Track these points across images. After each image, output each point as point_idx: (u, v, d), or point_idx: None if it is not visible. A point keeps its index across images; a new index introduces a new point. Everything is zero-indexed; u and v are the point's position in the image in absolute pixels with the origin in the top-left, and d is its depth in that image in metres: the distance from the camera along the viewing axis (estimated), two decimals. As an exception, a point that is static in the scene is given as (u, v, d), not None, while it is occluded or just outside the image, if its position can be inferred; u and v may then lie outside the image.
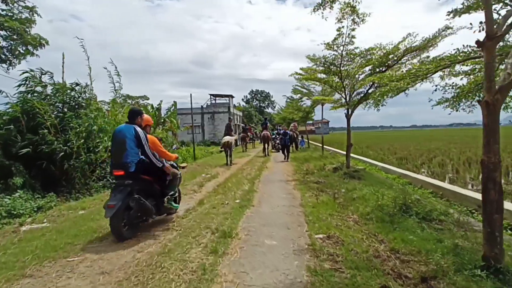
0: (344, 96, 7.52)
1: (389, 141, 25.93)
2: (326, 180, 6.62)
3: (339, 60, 6.82)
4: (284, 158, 11.70)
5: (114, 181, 4.04)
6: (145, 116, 3.94)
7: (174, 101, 24.13)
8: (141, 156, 3.51)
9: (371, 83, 6.78)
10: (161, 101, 18.33)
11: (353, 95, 7.49)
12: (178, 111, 33.25)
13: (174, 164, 4.28)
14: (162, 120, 19.05)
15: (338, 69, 7.02)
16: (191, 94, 13.48)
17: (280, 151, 17.52)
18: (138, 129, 3.53)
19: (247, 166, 10.30)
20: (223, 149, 11.00)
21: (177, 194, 4.22)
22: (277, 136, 18.50)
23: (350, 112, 7.55)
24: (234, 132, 21.02)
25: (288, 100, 29.80)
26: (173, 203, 4.04)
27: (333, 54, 6.77)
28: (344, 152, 14.32)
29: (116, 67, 10.04)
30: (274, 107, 65.18)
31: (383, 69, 6.53)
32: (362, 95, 7.26)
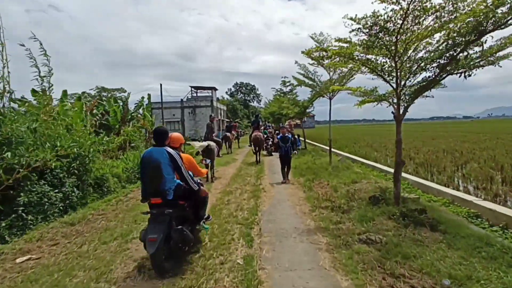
0: (394, 84, 4.66)
1: (385, 138, 23.64)
2: (377, 231, 3.78)
3: (399, 21, 3.92)
4: (284, 178, 7.66)
5: (151, 210, 3.19)
6: (174, 135, 3.72)
7: (148, 94, 20.72)
8: (177, 181, 3.21)
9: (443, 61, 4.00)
10: (129, 93, 14.56)
11: (408, 83, 4.66)
12: (154, 105, 29.63)
13: (200, 181, 4.00)
14: (130, 117, 15.68)
15: (393, 38, 4.13)
16: (161, 85, 10.28)
17: (273, 154, 14.74)
18: (171, 151, 3.20)
19: (234, 185, 7.29)
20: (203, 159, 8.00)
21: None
22: (269, 136, 15.60)
23: (403, 110, 4.72)
24: (218, 129, 17.77)
25: (278, 93, 27.02)
26: (204, 224, 3.80)
27: (390, 10, 3.86)
28: (359, 158, 11.63)
29: (41, 44, 6.52)
30: (260, 100, 62.10)
31: (472, 38, 3.72)
32: (423, 82, 4.45)
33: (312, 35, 9.36)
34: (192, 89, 31.65)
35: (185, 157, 3.57)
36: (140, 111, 19.31)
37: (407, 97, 4.66)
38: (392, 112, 4.84)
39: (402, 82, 4.61)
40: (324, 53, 4.86)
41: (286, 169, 7.59)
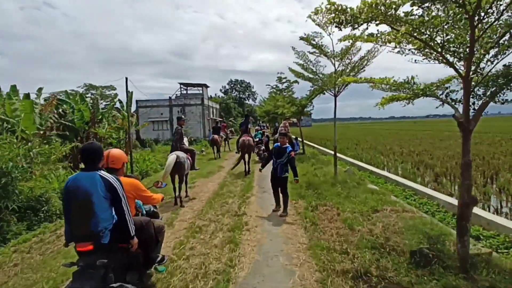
0: (461, 69, 2.71)
1: (388, 139, 21.75)
2: None
3: None
4: (277, 206, 5.46)
5: (78, 261, 2.27)
6: (113, 152, 2.76)
7: (130, 92, 18.62)
8: (116, 217, 2.34)
9: None
10: (116, 94, 12.13)
11: (486, 67, 2.72)
12: (141, 103, 27.45)
13: (156, 209, 3.25)
14: (100, 117, 13.60)
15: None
16: (126, 78, 8.20)
17: (264, 161, 12.73)
18: (108, 176, 2.31)
19: (208, 215, 5.26)
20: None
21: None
22: (262, 139, 13.62)
23: (475, 113, 2.78)
24: (209, 129, 15.70)
25: (273, 90, 25.05)
26: (158, 267, 2.99)
27: None
28: (369, 167, 9.76)
29: None
30: (256, 98, 60.04)
31: None
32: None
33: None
34: (182, 86, 29.51)
35: (128, 183, 2.73)
36: (124, 108, 17.28)
37: (485, 91, 2.71)
38: (454, 117, 2.89)
39: (475, 67, 2.65)
40: (341, 17, 2.84)
41: (281, 195, 5.39)
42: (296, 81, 17.22)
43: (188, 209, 5.69)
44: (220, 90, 61.65)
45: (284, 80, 23.03)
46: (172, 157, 5.78)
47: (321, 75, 7.84)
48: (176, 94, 29.22)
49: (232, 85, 61.94)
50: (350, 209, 5.04)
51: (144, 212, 3.01)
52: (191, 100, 28.07)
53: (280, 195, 5.31)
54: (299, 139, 16.44)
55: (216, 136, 14.42)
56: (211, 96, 45.02)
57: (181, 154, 6.00)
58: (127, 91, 8.42)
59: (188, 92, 30.13)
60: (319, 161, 11.00)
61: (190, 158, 6.44)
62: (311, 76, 8.06)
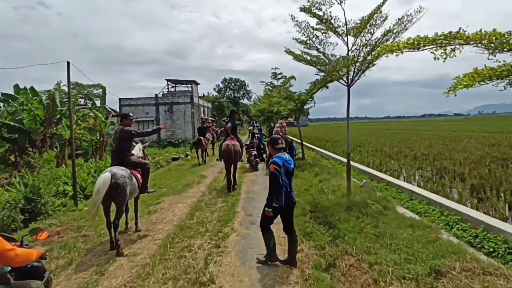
0: None
1: (393, 140, 19.71)
2: None
3: None
4: (271, 255, 3.37)
5: None
6: None
7: (104, 87, 16.42)
8: None
9: None
10: (58, 83, 9.71)
11: None
12: (124, 102, 25.11)
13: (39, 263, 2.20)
14: (59, 116, 11.35)
15: None
16: (68, 63, 5.97)
17: (255, 165, 10.58)
18: None
19: (151, 280, 3.20)
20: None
21: None
22: (254, 142, 11.49)
23: None
24: (198, 130, 13.48)
25: (268, 87, 22.98)
26: None
27: None
28: (389, 178, 7.41)
29: None
30: (251, 97, 57.78)
31: None
32: None
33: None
34: (169, 83, 27.21)
35: None
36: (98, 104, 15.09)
37: None
38: None
39: None
40: None
41: (286, 236, 3.38)
42: (293, 77, 15.02)
43: (126, 262, 3.54)
44: (214, 89, 59.27)
45: (279, 76, 20.98)
46: (104, 177, 3.64)
47: (331, 56, 5.70)
48: (163, 92, 26.94)
49: (226, 84, 59.57)
50: (391, 268, 2.95)
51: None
52: (180, 98, 25.79)
53: (285, 235, 3.22)
54: (297, 141, 14.32)
55: (200, 138, 12.28)
56: (203, 94, 42.75)
57: (121, 171, 3.85)
58: (68, 79, 6.22)
59: (177, 89, 27.86)
60: (324, 169, 8.90)
61: (140, 175, 4.30)
62: (320, 58, 5.89)
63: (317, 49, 5.73)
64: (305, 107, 11.53)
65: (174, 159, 15.04)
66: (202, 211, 5.34)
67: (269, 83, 22.33)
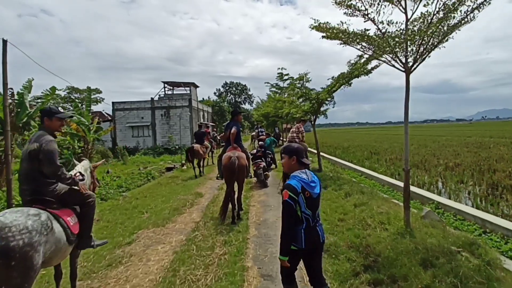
0: None
1: (410, 147, 17.66)
2: None
3: None
4: None
5: None
6: None
7: (87, 87, 14.64)
8: None
9: None
10: (30, 80, 7.69)
11: None
12: (118, 105, 23.26)
13: None
14: (25, 119, 9.49)
15: None
16: (4, 40, 4.06)
17: (265, 180, 8.62)
18: None
19: None
20: None
21: None
22: (259, 149, 9.58)
23: None
24: (196, 136, 11.39)
25: (274, 89, 21.13)
26: None
27: None
28: (441, 200, 5.26)
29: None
30: (252, 101, 55.95)
31: None
32: None
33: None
34: (166, 85, 25.41)
35: None
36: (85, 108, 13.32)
37: None
38: None
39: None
40: None
41: None
42: (301, 78, 12.78)
43: None
44: (214, 93, 57.50)
45: (286, 77, 19.09)
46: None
47: (388, 25, 3.79)
48: (159, 95, 25.15)
49: (227, 88, 57.76)
50: None
51: None
52: (177, 102, 23.97)
53: None
54: (312, 150, 12.32)
55: (197, 146, 10.34)
56: (203, 98, 41.01)
57: (23, 218, 1.96)
58: (4, 60, 4.38)
59: (174, 92, 26.07)
60: (353, 186, 6.94)
61: (72, 219, 2.40)
62: (366, 33, 3.98)
63: (365, 15, 3.84)
64: (322, 108, 9.61)
65: (169, 169, 13.15)
66: (191, 264, 3.41)
67: (274, 85, 20.56)
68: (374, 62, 5.53)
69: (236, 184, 5.10)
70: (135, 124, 23.71)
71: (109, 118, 25.37)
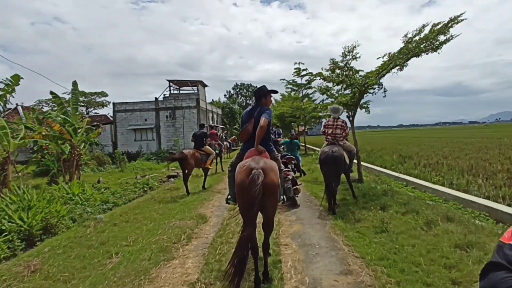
0: None
1: (436, 149, 14.89)
2: None
3: None
4: None
5: None
6: None
7: (73, 81, 12.75)
8: None
9: None
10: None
11: None
12: (119, 106, 21.37)
13: None
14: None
15: None
16: None
17: (294, 196, 6.12)
18: None
19: None
20: None
21: None
22: (284, 154, 7.34)
23: None
24: (197, 139, 8.52)
25: (291, 86, 18.92)
26: None
27: None
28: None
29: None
30: (264, 104, 53.86)
31: None
32: None
33: None
34: (171, 83, 23.53)
35: None
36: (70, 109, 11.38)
37: None
38: None
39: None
40: None
41: None
42: (320, 73, 9.91)
43: None
44: (224, 95, 55.65)
45: (304, 73, 16.89)
46: None
47: None
48: (164, 95, 23.29)
49: (237, 90, 55.81)
50: None
51: None
52: (184, 102, 22.03)
53: None
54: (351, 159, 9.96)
55: (188, 151, 7.91)
56: (212, 100, 39.13)
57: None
58: None
59: (181, 91, 24.18)
60: (422, 206, 4.61)
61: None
62: None
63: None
64: (364, 99, 7.29)
65: (171, 177, 11.08)
66: None
67: (291, 81, 18.34)
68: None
69: (263, 214, 2.86)
70: (138, 127, 21.87)
71: (110, 121, 23.66)
